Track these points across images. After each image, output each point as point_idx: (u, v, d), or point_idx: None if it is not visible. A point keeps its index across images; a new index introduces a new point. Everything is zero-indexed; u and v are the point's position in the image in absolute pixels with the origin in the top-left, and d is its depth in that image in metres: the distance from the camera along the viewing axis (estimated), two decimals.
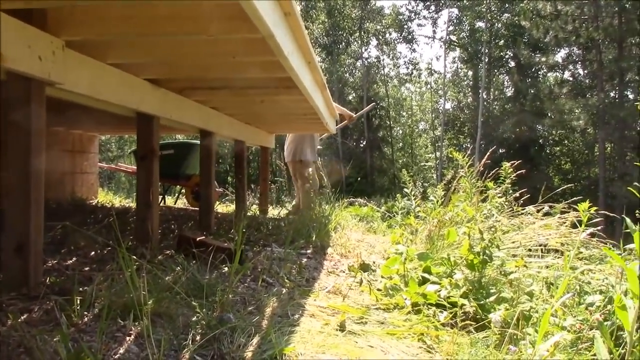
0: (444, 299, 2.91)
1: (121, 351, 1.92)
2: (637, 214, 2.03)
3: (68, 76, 2.63)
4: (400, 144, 39.04)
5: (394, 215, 7.09)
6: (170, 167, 7.78)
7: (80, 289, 2.46)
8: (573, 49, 28.50)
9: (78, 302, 2.21)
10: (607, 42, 24.80)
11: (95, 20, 2.62)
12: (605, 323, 2.26)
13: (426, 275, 3.27)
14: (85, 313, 2.21)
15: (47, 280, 2.65)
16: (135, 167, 7.58)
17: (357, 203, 8.95)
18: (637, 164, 2.03)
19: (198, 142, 6.97)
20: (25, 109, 2.38)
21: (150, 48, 3.18)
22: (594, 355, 1.96)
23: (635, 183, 1.90)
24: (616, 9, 23.89)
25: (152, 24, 2.67)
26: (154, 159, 3.73)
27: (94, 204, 7.25)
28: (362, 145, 34.41)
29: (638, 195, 1.74)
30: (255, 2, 2.06)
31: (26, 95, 2.38)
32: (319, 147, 7.68)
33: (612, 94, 25.76)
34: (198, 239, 3.35)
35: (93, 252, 3.57)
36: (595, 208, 2.63)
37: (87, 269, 3.10)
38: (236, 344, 2.00)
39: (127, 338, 2.03)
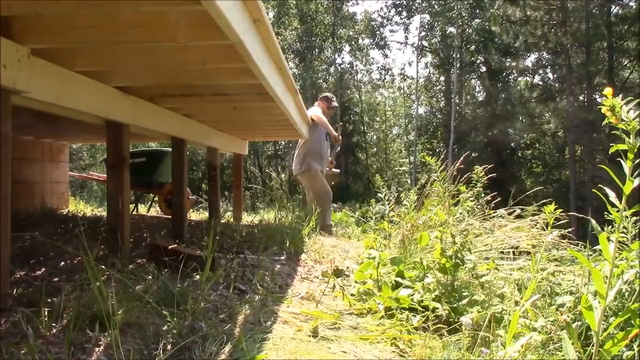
0: (416, 303, 2.92)
1: None
2: (605, 216, 2.06)
3: (34, 84, 2.60)
4: (375, 149, 39.20)
5: (368, 220, 7.12)
6: (143, 175, 7.71)
7: (49, 300, 2.43)
8: (542, 54, 28.92)
9: (46, 313, 2.17)
10: (575, 47, 25.21)
11: (61, 28, 2.59)
12: (576, 323, 2.30)
13: (399, 279, 3.29)
14: (54, 324, 2.17)
15: (15, 292, 2.60)
16: (106, 175, 7.50)
17: (331, 208, 8.97)
18: (603, 166, 2.06)
19: (170, 149, 6.92)
20: None
21: (117, 56, 3.15)
22: (564, 355, 1.98)
23: (600, 185, 1.93)
24: (584, 14, 24.32)
25: (118, 32, 2.65)
26: (124, 167, 3.70)
27: (64, 213, 7.15)
28: (336, 151, 34.48)
29: (603, 197, 1.77)
30: (223, 9, 2.06)
31: None
32: (329, 157, 7.61)
33: (581, 98, 26.18)
34: (170, 247, 3.33)
35: (62, 263, 3.52)
36: (561, 210, 2.66)
37: (56, 279, 3.05)
38: (208, 352, 1.99)
39: (96, 349, 2.00)
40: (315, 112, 7.12)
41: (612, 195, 1.75)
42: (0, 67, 2.30)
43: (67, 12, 2.50)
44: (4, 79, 2.33)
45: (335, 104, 7.50)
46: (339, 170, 7.94)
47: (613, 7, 25.32)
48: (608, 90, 1.68)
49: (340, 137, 7.46)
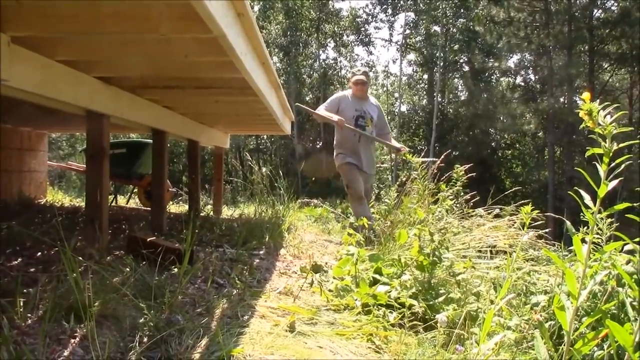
0: (393, 299, 2.94)
1: (65, 354, 1.89)
2: (581, 217, 2.09)
3: (14, 73, 2.57)
4: None
5: (348, 217, 7.13)
6: (123, 166, 7.67)
7: (25, 290, 2.41)
8: (525, 55, 29.13)
9: (21, 304, 2.16)
10: (557, 49, 25.45)
11: (42, 17, 2.57)
12: (549, 323, 2.33)
13: (377, 276, 3.31)
14: (29, 315, 2.16)
15: None
16: (86, 166, 7.44)
17: (312, 204, 8.98)
18: (579, 169, 2.09)
19: (151, 141, 6.88)
20: None
21: (99, 46, 3.12)
22: (536, 354, 2.01)
23: (576, 188, 1.96)
24: (566, 17, 24.56)
25: (99, 22, 2.63)
26: (103, 158, 3.67)
27: (42, 203, 7.08)
28: (318, 147, 34.47)
29: (578, 199, 1.80)
30: (206, 2, 2.05)
31: None
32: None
33: (561, 100, 26.45)
34: (148, 239, 3.31)
35: (39, 253, 3.49)
36: (538, 211, 2.70)
37: (32, 270, 3.03)
38: (184, 345, 1.99)
39: (72, 340, 2.00)
40: (320, 107, 6.17)
41: (587, 198, 1.78)
42: None
43: (48, 1, 2.47)
44: None
45: (358, 76, 6.17)
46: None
47: (595, 10, 25.61)
48: (586, 95, 1.71)
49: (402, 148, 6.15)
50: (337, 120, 5.81)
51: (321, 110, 6.07)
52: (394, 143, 6.29)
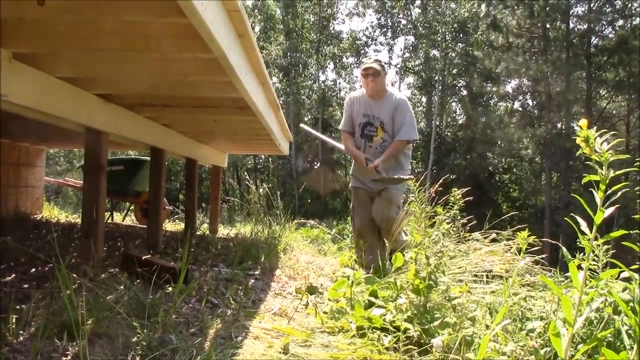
0: (389, 323, 2.92)
1: None
2: (577, 243, 2.09)
3: (14, 88, 2.58)
4: None
5: (345, 238, 7.12)
6: (120, 183, 7.66)
7: (18, 307, 2.39)
8: (523, 80, 29.33)
9: (14, 320, 2.14)
10: (555, 75, 25.63)
11: (43, 34, 2.58)
12: (544, 349, 2.32)
13: (372, 299, 3.29)
14: (21, 332, 2.14)
15: None
16: (83, 182, 7.43)
17: (308, 224, 8.97)
18: (576, 196, 2.09)
19: (148, 158, 6.88)
20: None
21: (98, 63, 3.13)
22: None
23: (572, 214, 1.96)
24: (564, 43, 24.79)
25: (99, 40, 2.65)
26: (101, 174, 3.67)
27: (38, 218, 7.06)
28: (316, 167, 34.50)
29: (575, 226, 1.80)
30: (208, 23, 2.07)
31: None
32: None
33: (559, 125, 26.60)
34: (143, 257, 3.30)
35: (33, 269, 3.48)
36: (534, 237, 2.70)
37: (26, 286, 3.01)
38: None
39: (64, 358, 1.98)
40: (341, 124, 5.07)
41: (583, 224, 1.78)
42: None
43: (49, 18, 2.49)
44: None
45: (366, 65, 4.75)
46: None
47: (593, 38, 25.87)
48: (583, 122, 1.72)
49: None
50: (358, 158, 4.72)
51: (342, 140, 4.97)
52: (378, 160, 4.61)
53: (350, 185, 5.10)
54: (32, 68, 2.83)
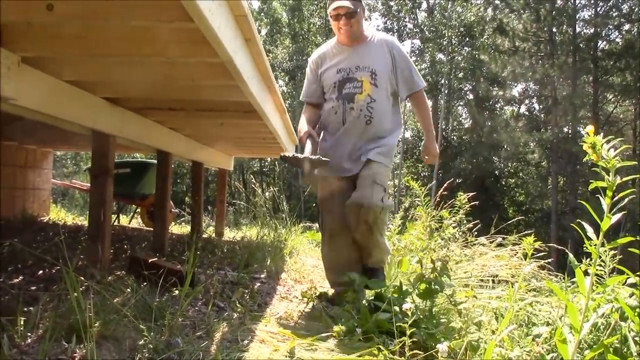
0: (394, 327, 2.92)
1: None
2: (584, 248, 2.09)
3: (22, 92, 2.60)
4: None
5: None
6: (126, 186, 7.69)
7: (25, 309, 2.40)
8: (529, 84, 29.32)
9: (22, 322, 2.15)
10: (561, 79, 25.60)
11: (50, 38, 2.59)
12: (551, 355, 2.31)
13: (378, 303, 3.29)
14: (29, 334, 2.15)
15: None
16: (90, 185, 7.47)
17: (314, 228, 8.96)
18: (582, 202, 2.09)
19: (155, 161, 6.90)
20: None
21: (106, 67, 3.15)
22: None
23: (579, 219, 1.96)
24: (571, 47, 24.76)
25: (107, 45, 2.66)
26: (108, 178, 3.68)
27: (45, 221, 7.09)
28: None
29: (581, 231, 1.80)
30: (215, 28, 2.08)
31: None
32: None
33: (565, 129, 26.57)
34: (150, 260, 3.31)
35: (41, 271, 3.49)
36: (540, 243, 2.70)
37: (33, 288, 3.03)
38: None
39: None
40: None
41: (590, 230, 1.78)
42: None
43: (58, 23, 2.50)
44: None
45: (335, 4, 3.45)
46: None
47: (600, 42, 25.83)
48: (590, 128, 1.72)
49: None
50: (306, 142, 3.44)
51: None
52: (430, 143, 3.76)
53: (315, 171, 3.47)
54: (40, 71, 2.85)
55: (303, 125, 3.57)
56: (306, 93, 3.78)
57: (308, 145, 3.36)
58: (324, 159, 3.23)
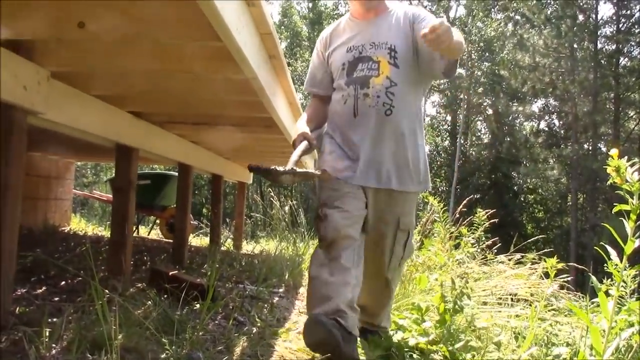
0: (414, 345, 2.92)
1: None
2: (605, 267, 2.08)
3: (51, 106, 2.65)
4: None
5: None
6: (146, 198, 7.76)
7: (50, 320, 2.44)
8: (549, 100, 29.14)
9: (47, 333, 2.19)
10: (582, 96, 25.41)
11: (81, 53, 2.65)
12: None
13: (397, 320, 3.29)
14: (54, 345, 2.18)
15: (17, 310, 2.62)
16: (110, 195, 7.54)
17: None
18: (606, 225, 2.04)
19: (175, 173, 6.96)
20: (6, 136, 2.38)
21: (133, 82, 3.20)
22: None
23: (602, 243, 1.96)
24: (592, 64, 24.60)
25: (135, 61, 2.71)
26: (130, 191, 3.73)
27: (66, 231, 7.16)
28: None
29: (604, 254, 1.80)
30: (242, 46, 2.12)
31: (8, 124, 2.38)
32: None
33: (585, 146, 26.34)
34: (171, 273, 3.34)
35: (63, 282, 3.54)
36: (562, 264, 2.69)
37: (56, 299, 3.07)
38: None
39: None
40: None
41: (613, 254, 1.78)
42: (21, 88, 2.34)
43: (88, 39, 2.55)
44: (23, 100, 2.37)
45: None
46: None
47: (621, 58, 25.63)
48: (614, 151, 1.72)
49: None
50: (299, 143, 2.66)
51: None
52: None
53: (323, 165, 2.75)
54: (68, 86, 2.91)
55: (300, 125, 2.80)
56: (310, 82, 3.00)
57: (298, 150, 2.59)
58: (299, 170, 2.47)
